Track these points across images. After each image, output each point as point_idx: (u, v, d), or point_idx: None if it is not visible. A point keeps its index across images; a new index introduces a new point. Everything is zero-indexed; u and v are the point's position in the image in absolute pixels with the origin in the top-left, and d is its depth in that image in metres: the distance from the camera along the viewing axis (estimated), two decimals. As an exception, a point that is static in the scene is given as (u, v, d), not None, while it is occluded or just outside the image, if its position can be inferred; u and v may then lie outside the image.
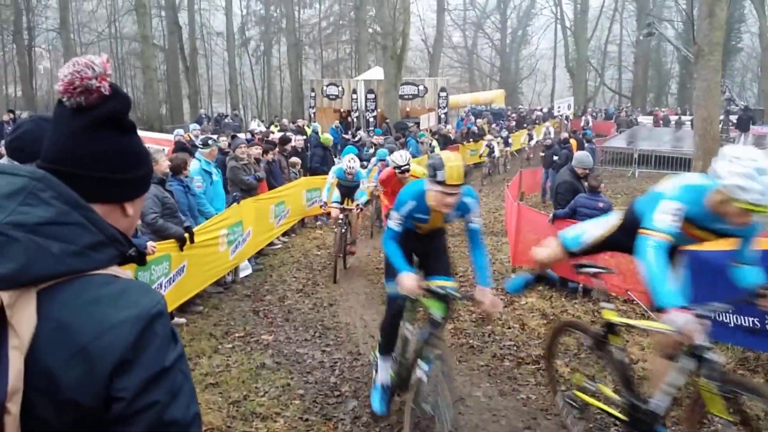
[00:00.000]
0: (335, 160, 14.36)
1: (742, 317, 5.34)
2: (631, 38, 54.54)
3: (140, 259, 1.25)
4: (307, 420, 4.66)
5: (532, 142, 24.59)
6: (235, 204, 8.63)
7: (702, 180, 3.44)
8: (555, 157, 15.51)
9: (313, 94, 31.73)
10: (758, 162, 3.04)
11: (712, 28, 16.50)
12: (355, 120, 28.36)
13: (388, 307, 4.57)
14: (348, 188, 9.88)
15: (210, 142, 8.76)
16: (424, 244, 4.61)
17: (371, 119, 28.36)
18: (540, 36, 59.82)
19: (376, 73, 31.27)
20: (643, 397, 3.68)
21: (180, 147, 12.38)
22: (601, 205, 7.52)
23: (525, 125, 30.87)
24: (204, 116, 30.55)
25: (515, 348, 6.05)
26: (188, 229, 6.77)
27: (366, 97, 28.85)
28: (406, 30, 27.81)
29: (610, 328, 3.91)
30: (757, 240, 3.64)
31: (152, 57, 36.33)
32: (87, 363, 1.02)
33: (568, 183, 8.07)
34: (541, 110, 41.21)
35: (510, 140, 24.10)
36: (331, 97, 30.39)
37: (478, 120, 28.96)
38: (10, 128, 16.44)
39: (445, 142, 21.60)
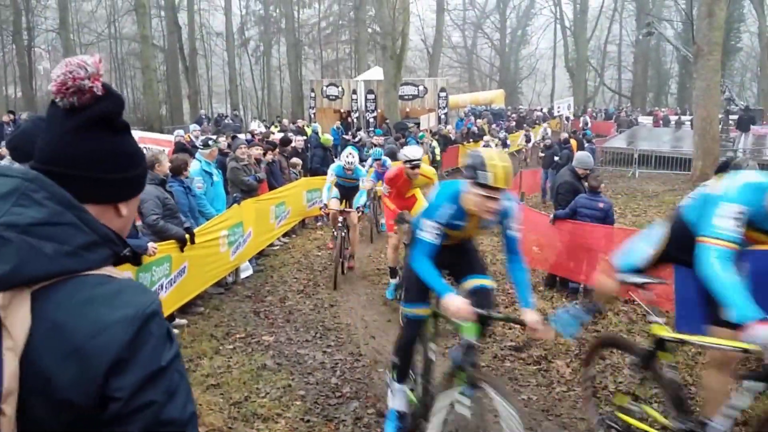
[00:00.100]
0: (335, 160, 14.35)
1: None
2: (630, 38, 54.56)
3: (135, 259, 1.25)
4: (308, 421, 4.66)
5: (530, 144, 24.54)
6: (235, 205, 8.63)
7: (761, 178, 3.25)
8: (555, 158, 15.52)
9: (312, 95, 31.73)
10: None
11: (711, 28, 16.51)
12: (355, 120, 28.36)
13: (405, 330, 4.09)
14: (347, 189, 9.54)
15: (210, 142, 8.75)
16: (452, 255, 4.09)
17: (371, 120, 28.36)
18: (539, 36, 59.88)
19: (376, 73, 31.27)
20: (700, 420, 3.39)
21: (180, 148, 12.37)
22: (601, 205, 7.52)
23: (525, 125, 30.85)
24: (204, 117, 30.54)
25: (516, 349, 6.05)
26: (188, 230, 6.77)
27: (366, 97, 28.84)
28: (405, 30, 27.81)
29: (660, 344, 3.61)
30: None
31: (152, 57, 36.31)
32: (82, 363, 1.02)
33: (569, 183, 8.07)
34: (540, 110, 41.22)
35: (508, 141, 23.91)
36: (331, 97, 30.38)
37: (478, 120, 28.96)
38: (10, 129, 16.46)
39: (445, 143, 21.59)
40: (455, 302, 3.37)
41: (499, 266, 10.43)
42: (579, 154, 8.97)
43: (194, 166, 8.20)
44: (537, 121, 33.74)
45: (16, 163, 3.07)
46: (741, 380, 3.12)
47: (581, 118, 34.05)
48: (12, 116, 18.83)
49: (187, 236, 6.66)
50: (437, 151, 19.80)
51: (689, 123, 29.07)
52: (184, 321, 6.81)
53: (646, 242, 3.98)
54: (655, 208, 14.36)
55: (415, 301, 3.83)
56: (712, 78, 17.20)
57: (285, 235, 11.34)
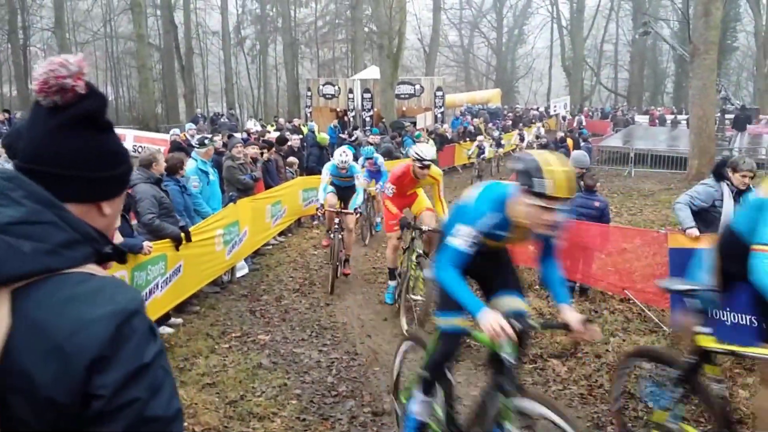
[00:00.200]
0: (331, 159, 14.35)
1: (739, 315, 5.34)
2: (627, 37, 54.67)
3: (119, 256, 1.24)
4: (304, 420, 4.65)
5: (524, 143, 24.51)
6: (231, 204, 8.61)
7: None
8: (552, 156, 15.50)
9: (309, 94, 31.72)
10: None
11: (707, 27, 16.53)
12: (351, 119, 28.35)
13: (441, 345, 3.50)
14: (343, 188, 9.42)
15: (206, 141, 8.74)
16: (484, 263, 3.57)
17: (368, 118, 28.36)
18: (536, 35, 59.97)
19: (373, 72, 31.28)
20: None
21: (176, 146, 12.36)
22: (597, 204, 7.53)
23: (521, 124, 30.87)
24: (200, 116, 30.53)
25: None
26: (183, 229, 6.75)
27: (362, 96, 28.84)
28: (402, 29, 27.81)
29: (705, 356, 3.36)
30: None
31: (148, 56, 36.26)
32: (63, 361, 1.01)
33: (565, 182, 8.07)
34: (537, 109, 41.26)
35: (502, 141, 23.74)
36: (327, 96, 30.38)
37: (475, 119, 28.98)
38: (5, 128, 16.44)
39: (442, 142, 21.60)
40: (492, 320, 2.92)
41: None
42: (575, 153, 8.98)
43: (190, 165, 8.18)
44: (533, 120, 33.76)
45: (10, 162, 3.07)
46: None
47: (576, 118, 34.07)
48: (7, 115, 18.82)
49: (182, 234, 6.65)
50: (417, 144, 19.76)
51: (685, 122, 29.12)
52: (179, 320, 6.79)
53: (701, 272, 3.82)
54: (650, 207, 14.38)
55: (451, 310, 3.32)
56: (709, 77, 17.23)
57: (281, 234, 11.33)
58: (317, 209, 9.03)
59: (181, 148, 11.67)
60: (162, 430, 1.07)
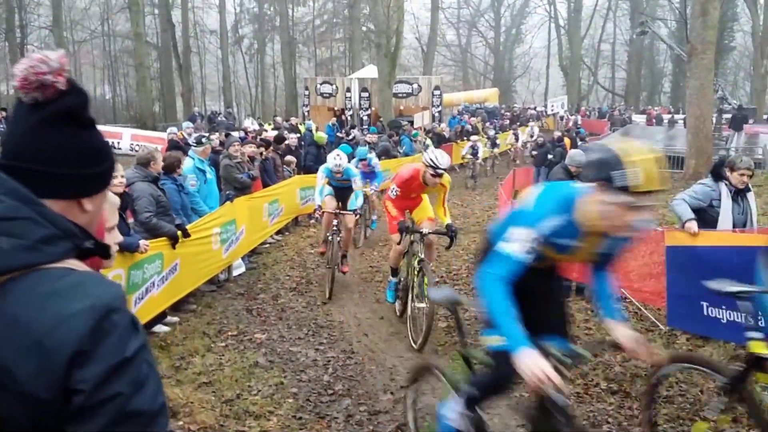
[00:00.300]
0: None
1: (735, 313, 5.35)
2: (624, 37, 54.80)
3: (103, 252, 1.24)
4: (300, 418, 4.65)
5: (519, 143, 24.48)
6: (228, 202, 8.60)
7: None
8: (549, 156, 15.54)
9: (306, 92, 31.73)
10: None
11: (705, 27, 16.55)
12: (349, 118, 28.36)
13: (494, 370, 2.94)
14: (340, 189, 9.07)
15: (203, 140, 8.73)
16: (536, 287, 2.98)
17: (365, 117, 28.36)
18: (534, 35, 60.08)
19: (370, 71, 31.28)
20: None
21: (174, 145, 12.35)
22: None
23: (518, 123, 30.87)
24: (197, 114, 30.50)
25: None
26: (180, 227, 6.75)
27: (360, 95, 28.86)
28: (399, 28, 27.81)
29: (756, 363, 3.10)
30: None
31: (145, 55, 36.23)
32: (42, 356, 1.01)
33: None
34: (534, 108, 41.28)
35: (497, 141, 23.54)
36: (325, 95, 30.38)
37: (472, 119, 28.98)
38: (2, 126, 16.41)
39: (439, 141, 21.60)
40: (534, 365, 2.39)
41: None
42: (572, 152, 8.98)
43: (187, 163, 8.17)
44: (531, 119, 33.79)
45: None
46: None
47: (572, 118, 34.08)
48: (4, 113, 18.77)
49: (179, 232, 6.64)
50: (431, 149, 19.78)
51: (682, 122, 29.17)
52: (176, 318, 6.79)
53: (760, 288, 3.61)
54: (647, 206, 14.36)
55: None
56: (706, 77, 17.25)
57: (278, 232, 11.32)
58: (315, 210, 8.69)
59: (178, 146, 11.66)
60: (146, 424, 1.06)
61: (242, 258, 9.08)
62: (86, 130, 1.22)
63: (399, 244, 6.72)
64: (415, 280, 6.36)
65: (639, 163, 2.36)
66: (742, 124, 26.90)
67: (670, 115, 37.41)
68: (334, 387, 5.24)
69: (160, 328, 6.38)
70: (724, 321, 5.43)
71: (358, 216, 8.68)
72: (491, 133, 24.01)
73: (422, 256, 6.40)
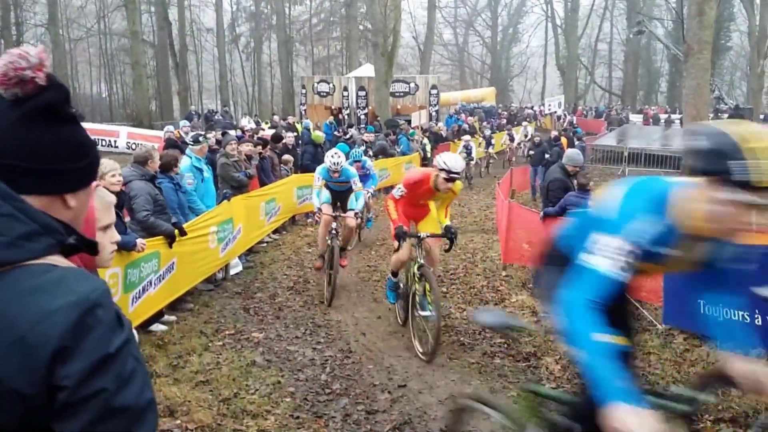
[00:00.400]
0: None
1: (732, 311, 5.35)
2: (621, 36, 54.88)
3: (89, 247, 1.23)
4: (297, 418, 4.65)
5: (514, 143, 24.47)
6: (225, 201, 8.59)
7: None
8: (546, 155, 15.55)
9: (303, 91, 31.69)
10: None
11: (701, 27, 16.56)
12: (346, 117, 28.35)
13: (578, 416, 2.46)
14: (338, 192, 8.59)
15: (201, 138, 8.72)
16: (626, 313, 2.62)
17: (362, 116, 28.36)
18: (531, 34, 60.10)
19: (367, 70, 31.27)
20: None
21: (171, 144, 12.32)
22: (590, 203, 7.53)
23: (515, 123, 30.88)
24: (194, 113, 30.45)
25: (506, 346, 6.05)
26: (176, 225, 6.73)
27: (357, 94, 28.84)
28: (397, 27, 27.79)
29: None
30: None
31: (142, 53, 36.16)
32: (25, 352, 1.01)
33: (560, 181, 8.09)
34: (531, 108, 41.32)
35: (492, 141, 23.41)
36: (322, 94, 30.36)
37: (469, 118, 28.99)
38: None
39: (436, 140, 21.61)
40: (635, 422, 1.81)
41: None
42: (569, 151, 9.00)
43: (185, 162, 8.16)
44: (528, 119, 33.80)
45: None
46: None
47: (567, 118, 34.10)
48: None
49: (176, 231, 6.63)
50: (428, 148, 19.82)
51: (679, 121, 29.26)
52: (173, 317, 6.77)
53: None
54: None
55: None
56: (702, 77, 17.26)
57: (275, 231, 11.31)
58: (315, 213, 8.13)
59: (175, 145, 11.64)
60: (133, 420, 1.06)
61: (239, 257, 9.08)
62: (68, 126, 1.21)
63: (398, 251, 6.37)
64: (417, 287, 6.07)
65: (762, 152, 1.87)
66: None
67: (666, 115, 37.49)
68: (332, 386, 5.24)
69: (157, 327, 6.37)
70: (721, 319, 5.43)
71: (359, 220, 8.31)
72: (487, 132, 23.97)
73: (422, 261, 6.08)
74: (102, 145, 22.39)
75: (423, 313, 5.92)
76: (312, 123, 19.10)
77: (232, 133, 14.96)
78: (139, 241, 5.84)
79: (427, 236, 6.16)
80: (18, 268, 1.07)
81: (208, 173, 8.62)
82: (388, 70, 27.16)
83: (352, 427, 4.55)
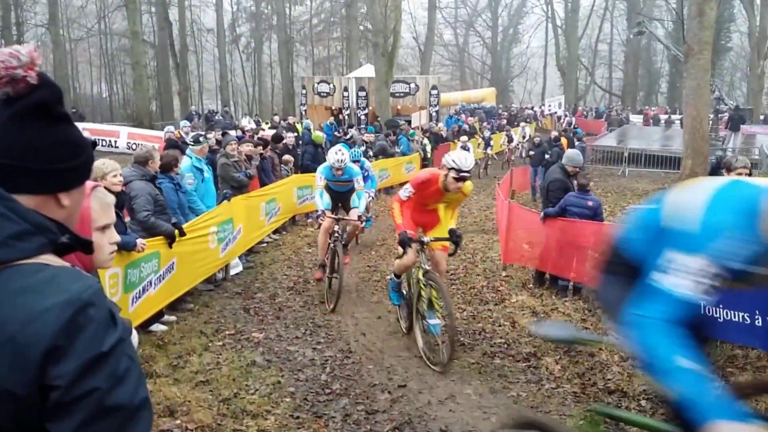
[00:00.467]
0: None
1: (732, 312, 5.35)
2: (621, 37, 54.89)
3: (84, 246, 1.23)
4: (297, 418, 4.65)
5: (512, 144, 24.46)
6: (225, 201, 8.59)
7: None
8: (546, 155, 15.56)
9: (304, 92, 31.71)
10: None
11: (701, 28, 16.57)
12: (346, 118, 28.37)
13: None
14: (339, 193, 8.35)
15: (201, 138, 8.72)
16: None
17: (363, 117, 28.38)
18: (531, 34, 60.14)
19: (368, 70, 31.29)
20: None
21: (172, 144, 12.33)
22: (590, 203, 7.54)
23: (515, 123, 30.88)
24: (194, 113, 30.47)
25: (506, 346, 6.06)
26: (176, 225, 6.74)
27: (357, 94, 28.86)
28: (397, 27, 27.81)
29: None
30: None
31: (142, 53, 36.17)
32: (16, 352, 1.01)
33: (560, 181, 8.08)
34: (531, 108, 41.33)
35: (491, 142, 23.30)
36: (322, 94, 30.38)
37: (469, 118, 28.99)
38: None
39: (436, 140, 21.62)
40: None
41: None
42: (569, 152, 9.00)
43: (185, 162, 8.16)
44: (528, 120, 33.80)
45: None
46: None
47: (565, 119, 34.12)
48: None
49: (176, 231, 6.63)
50: (428, 148, 19.83)
51: (679, 122, 29.27)
52: (173, 317, 6.78)
53: None
54: (644, 206, 14.39)
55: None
56: (702, 77, 17.27)
57: (275, 231, 11.31)
58: (318, 217, 7.70)
59: (176, 145, 11.64)
60: (127, 418, 1.06)
61: (239, 257, 9.08)
62: (60, 124, 1.20)
63: (401, 258, 6.03)
64: (423, 293, 5.75)
65: None
66: (739, 124, 26.98)
67: (667, 116, 37.54)
68: (332, 386, 5.24)
69: (157, 327, 6.37)
70: (721, 320, 5.43)
71: (363, 224, 8.01)
72: (487, 134, 23.95)
73: (427, 267, 5.77)
74: (102, 146, 22.41)
75: (431, 322, 5.60)
76: (312, 124, 19.09)
77: (233, 133, 14.97)
78: (140, 241, 5.84)
79: (432, 240, 5.90)
80: (9, 267, 1.07)
81: (208, 173, 8.62)
82: (389, 70, 27.18)
83: (352, 427, 4.55)
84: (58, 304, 1.04)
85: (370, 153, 15.99)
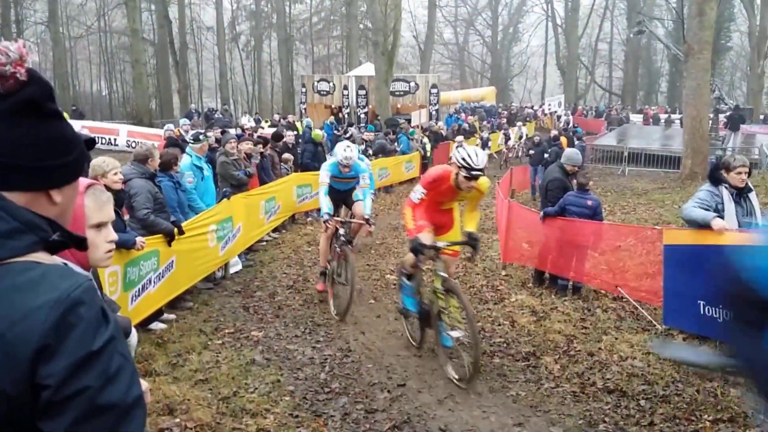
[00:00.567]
0: (327, 156, 14.31)
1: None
2: (621, 36, 54.90)
3: (78, 243, 1.22)
4: (296, 416, 4.65)
5: (510, 142, 24.42)
6: (225, 199, 8.59)
7: None
8: (545, 155, 15.57)
9: (303, 90, 31.71)
10: None
11: (701, 27, 16.58)
12: (346, 116, 28.37)
13: None
14: (341, 192, 7.87)
15: (201, 137, 8.72)
16: None
17: (362, 115, 28.37)
18: (531, 33, 60.16)
19: (367, 69, 31.29)
20: None
21: (172, 142, 12.32)
22: (589, 202, 7.54)
23: (518, 122, 30.89)
24: (194, 111, 30.46)
25: (505, 345, 6.06)
26: (175, 224, 6.73)
27: (357, 93, 28.86)
28: (397, 26, 27.80)
29: None
30: None
31: (142, 51, 36.13)
32: (6, 351, 1.00)
33: (559, 180, 8.07)
34: (531, 107, 41.33)
35: (489, 143, 23.20)
36: (322, 92, 30.38)
37: (469, 117, 28.98)
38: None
39: (436, 139, 21.61)
40: None
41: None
42: (567, 151, 8.99)
43: (185, 160, 8.16)
44: (528, 119, 33.80)
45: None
46: None
47: (563, 119, 34.10)
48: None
49: (175, 229, 6.63)
50: (428, 147, 19.83)
51: (679, 121, 29.28)
52: (172, 316, 6.77)
53: None
54: (644, 205, 14.42)
55: None
56: (702, 77, 17.30)
57: (275, 230, 11.31)
58: (326, 221, 7.16)
59: (176, 143, 11.63)
60: (120, 417, 1.06)
61: (239, 255, 9.07)
62: (51, 121, 1.19)
63: (414, 267, 5.77)
64: (442, 305, 5.35)
65: None
66: (739, 124, 26.99)
67: (666, 115, 37.52)
68: (331, 385, 5.24)
69: (156, 326, 6.37)
70: (721, 320, 5.44)
71: (372, 225, 7.51)
72: (485, 135, 23.91)
73: (445, 275, 5.37)
74: (102, 144, 22.41)
75: (454, 334, 5.17)
76: (313, 122, 19.09)
77: (232, 131, 14.97)
78: (139, 239, 5.83)
79: (447, 245, 5.50)
80: (0, 266, 1.07)
81: (208, 172, 8.62)
82: (389, 69, 27.17)
83: (351, 425, 4.55)
84: (47, 303, 1.03)
85: (370, 152, 15.99)
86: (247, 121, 24.58)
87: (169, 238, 6.54)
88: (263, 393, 5.01)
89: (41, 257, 1.13)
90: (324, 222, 7.20)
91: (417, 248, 5.30)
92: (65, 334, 1.03)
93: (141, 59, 35.07)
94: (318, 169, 12.87)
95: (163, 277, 6.50)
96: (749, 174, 5.83)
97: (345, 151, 7.25)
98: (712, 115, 23.96)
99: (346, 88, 29.40)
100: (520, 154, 24.55)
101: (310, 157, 13.76)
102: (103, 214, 1.79)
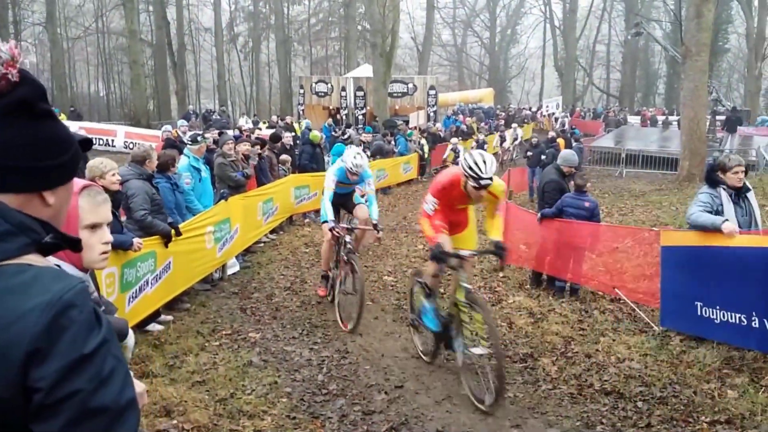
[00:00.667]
0: (325, 158, 14.31)
1: (729, 313, 5.35)
2: (619, 38, 54.97)
3: (72, 244, 1.21)
4: (294, 418, 4.64)
5: (505, 144, 24.39)
6: (222, 201, 8.58)
7: None
8: (543, 156, 15.59)
9: (302, 91, 31.72)
10: None
11: (699, 29, 16.60)
12: (344, 117, 28.38)
13: None
14: (341, 195, 7.56)
15: (199, 138, 8.71)
16: None
17: (360, 117, 28.39)
18: (529, 35, 60.27)
19: (366, 70, 31.31)
20: None
21: (169, 143, 12.31)
22: (587, 204, 7.54)
23: (515, 124, 30.91)
24: (192, 112, 30.43)
25: (503, 347, 6.05)
26: (172, 225, 6.72)
27: (355, 94, 28.88)
28: (395, 27, 27.82)
29: None
30: None
31: (140, 52, 36.14)
32: None
33: (555, 182, 8.08)
34: (529, 109, 41.37)
35: (485, 146, 22.64)
36: (320, 94, 30.38)
37: (467, 119, 29.00)
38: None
39: (434, 141, 21.62)
40: None
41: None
42: (564, 152, 9.01)
43: (182, 161, 8.15)
44: (526, 120, 33.83)
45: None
46: None
47: (558, 120, 34.08)
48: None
49: (172, 231, 6.61)
50: (426, 148, 19.84)
51: (676, 123, 29.29)
52: (170, 317, 6.76)
53: None
54: (641, 207, 14.44)
55: None
56: (700, 79, 17.33)
57: (272, 231, 11.30)
58: (331, 229, 6.80)
59: (174, 145, 11.62)
60: (112, 420, 1.05)
61: (236, 257, 9.06)
62: (43, 121, 1.18)
63: (435, 277, 5.47)
64: (465, 319, 4.95)
65: None
66: (736, 126, 27.05)
67: (664, 117, 37.56)
68: (329, 387, 5.23)
69: (153, 327, 6.36)
70: (718, 321, 5.44)
71: (380, 232, 7.15)
72: (480, 137, 23.86)
73: (468, 285, 4.97)
74: (99, 145, 22.36)
75: (476, 351, 4.80)
76: (311, 124, 19.10)
77: (230, 132, 14.96)
78: (136, 240, 5.82)
79: (473, 254, 5.28)
80: None
81: (205, 173, 8.61)
82: (387, 70, 27.20)
83: (348, 427, 4.55)
84: (39, 306, 1.03)
85: (368, 153, 15.99)
86: (245, 123, 24.58)
87: (167, 240, 6.53)
88: (260, 395, 5.00)
89: (34, 259, 1.12)
90: (330, 230, 6.82)
91: (438, 256, 4.95)
92: (57, 337, 1.02)
93: (139, 60, 35.08)
94: (315, 170, 12.91)
95: (160, 278, 6.49)
96: (746, 174, 5.82)
97: (355, 158, 6.97)
98: (709, 117, 24.01)
99: (344, 89, 29.42)
100: (514, 156, 24.56)
101: (307, 158, 13.75)
102: (97, 215, 1.78)
